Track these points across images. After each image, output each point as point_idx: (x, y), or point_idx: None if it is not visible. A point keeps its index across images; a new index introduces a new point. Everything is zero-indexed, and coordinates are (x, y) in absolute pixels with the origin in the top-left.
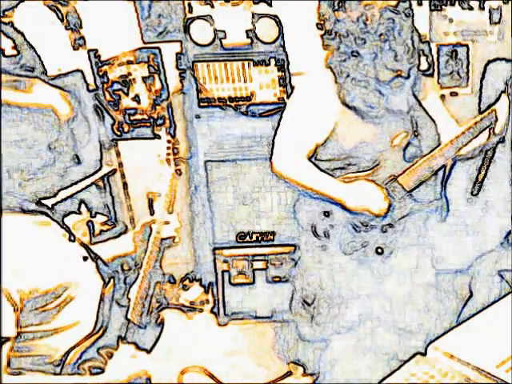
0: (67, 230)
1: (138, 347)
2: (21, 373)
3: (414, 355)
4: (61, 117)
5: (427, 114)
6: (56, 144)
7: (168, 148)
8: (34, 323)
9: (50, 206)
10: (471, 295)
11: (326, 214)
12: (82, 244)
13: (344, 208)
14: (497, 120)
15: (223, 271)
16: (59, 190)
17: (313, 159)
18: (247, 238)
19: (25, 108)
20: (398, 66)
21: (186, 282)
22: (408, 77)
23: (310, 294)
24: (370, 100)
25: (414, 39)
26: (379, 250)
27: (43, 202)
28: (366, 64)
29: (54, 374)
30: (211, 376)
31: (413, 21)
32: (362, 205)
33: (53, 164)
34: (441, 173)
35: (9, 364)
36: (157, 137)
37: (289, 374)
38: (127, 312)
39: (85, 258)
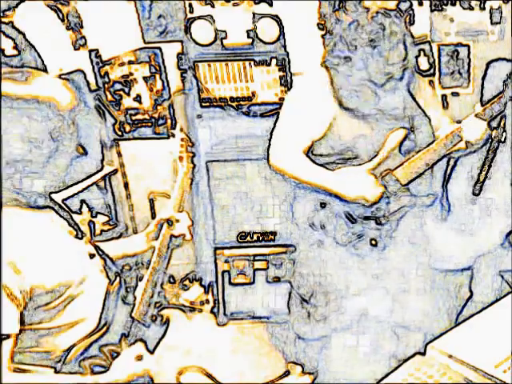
0: (74, 226)
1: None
2: (24, 370)
3: (412, 355)
4: (63, 107)
5: (422, 110)
6: (58, 134)
7: (182, 146)
8: (38, 321)
9: (58, 202)
10: (471, 295)
11: (323, 205)
12: (90, 241)
13: (340, 199)
14: (462, 139)
15: (223, 271)
16: (68, 186)
17: (310, 154)
18: (248, 238)
19: (24, 100)
20: (389, 69)
21: (186, 282)
22: (401, 78)
23: (307, 290)
24: (366, 102)
25: (406, 42)
26: (373, 242)
27: (52, 197)
28: (358, 69)
29: (55, 371)
30: (209, 376)
31: (410, 22)
32: (357, 193)
33: (56, 156)
34: (438, 170)
35: (12, 361)
36: (163, 137)
37: (287, 373)
38: (132, 310)
39: (91, 256)
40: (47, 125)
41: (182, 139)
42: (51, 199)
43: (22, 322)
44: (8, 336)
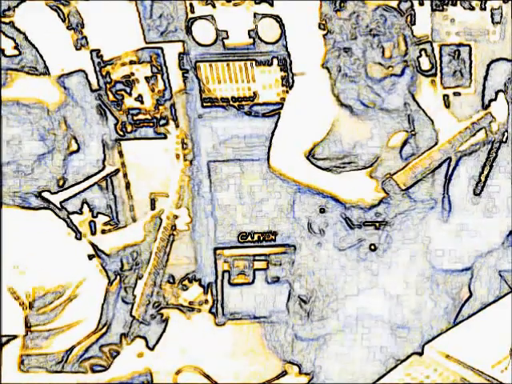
0: (73, 228)
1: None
2: (28, 371)
3: (410, 355)
4: (49, 106)
5: (424, 112)
6: (49, 134)
7: (177, 143)
8: (39, 322)
9: (57, 203)
10: (470, 295)
11: (322, 210)
12: (89, 242)
13: (340, 203)
14: (494, 120)
15: (223, 271)
16: (69, 187)
17: (311, 158)
18: (249, 238)
19: (10, 103)
20: (387, 62)
21: (186, 282)
22: (401, 75)
23: (306, 290)
24: (364, 98)
25: (407, 38)
26: (372, 247)
27: (49, 198)
28: (356, 59)
29: (56, 371)
30: (206, 376)
31: (411, 20)
32: (356, 196)
33: (50, 155)
34: (439, 172)
35: (22, 362)
36: (164, 136)
37: (284, 373)
38: (132, 309)
39: (90, 257)
40: (37, 126)
41: (178, 136)
42: (47, 200)
43: (27, 324)
44: (14, 337)
